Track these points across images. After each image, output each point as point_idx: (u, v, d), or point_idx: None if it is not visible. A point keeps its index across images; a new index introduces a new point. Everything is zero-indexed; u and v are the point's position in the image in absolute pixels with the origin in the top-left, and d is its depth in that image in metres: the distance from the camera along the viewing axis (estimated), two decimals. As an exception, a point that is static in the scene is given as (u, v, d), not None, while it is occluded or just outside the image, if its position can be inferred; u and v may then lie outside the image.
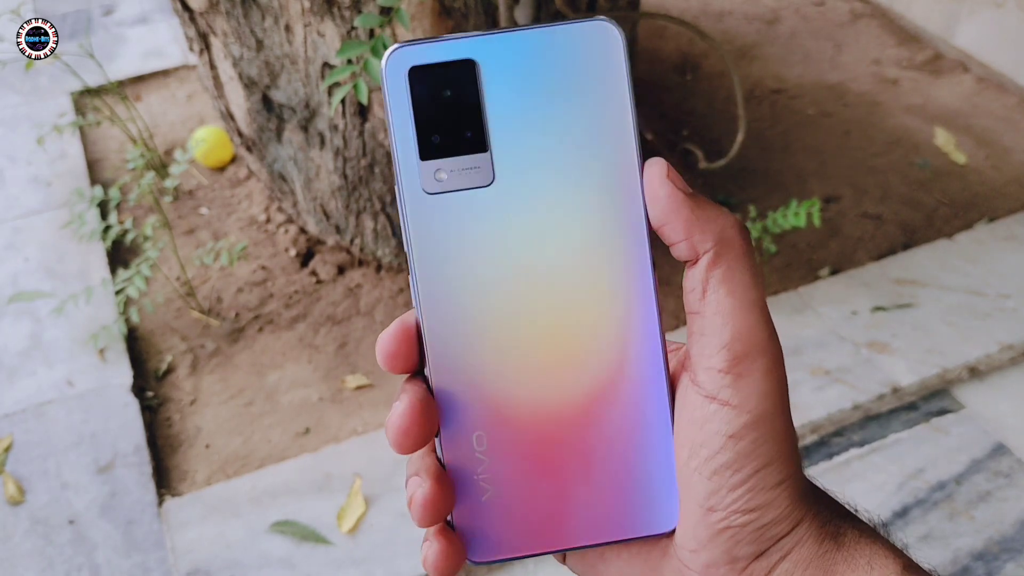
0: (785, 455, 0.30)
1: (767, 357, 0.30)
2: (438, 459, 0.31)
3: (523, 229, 0.31)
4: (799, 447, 1.32)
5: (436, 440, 0.32)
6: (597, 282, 0.31)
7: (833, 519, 0.31)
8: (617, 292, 0.31)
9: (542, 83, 0.30)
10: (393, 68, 0.30)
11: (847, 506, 0.32)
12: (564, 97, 0.31)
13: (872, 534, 0.31)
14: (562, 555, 0.34)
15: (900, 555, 0.30)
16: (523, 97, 0.30)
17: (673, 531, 0.31)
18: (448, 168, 0.31)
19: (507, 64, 0.30)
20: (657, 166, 0.31)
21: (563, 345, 0.31)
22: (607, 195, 0.31)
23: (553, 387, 0.31)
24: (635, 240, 0.31)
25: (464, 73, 0.30)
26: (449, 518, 0.32)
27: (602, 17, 0.31)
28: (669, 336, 0.33)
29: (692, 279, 0.30)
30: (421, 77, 0.30)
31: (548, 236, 0.31)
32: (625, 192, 0.31)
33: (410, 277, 0.31)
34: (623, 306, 0.31)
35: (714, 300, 0.30)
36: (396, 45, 0.30)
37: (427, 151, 0.31)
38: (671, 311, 1.43)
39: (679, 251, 0.30)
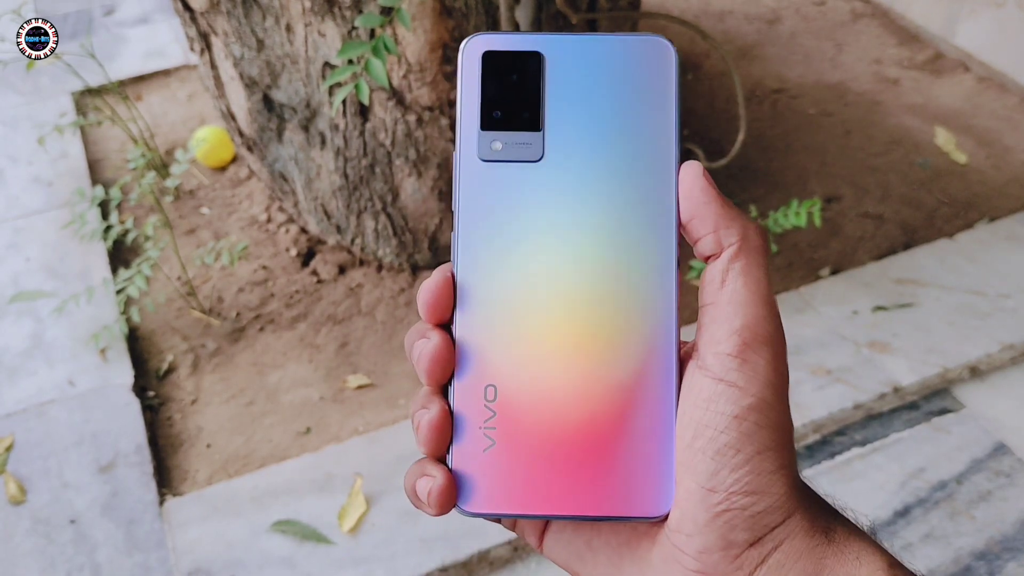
0: (782, 444, 0.31)
1: (772, 348, 0.31)
2: (447, 405, 0.33)
3: (562, 204, 0.34)
4: (799, 445, 1.33)
5: (449, 385, 0.34)
6: (622, 265, 0.33)
7: (823, 515, 0.32)
8: (641, 276, 0.33)
9: (599, 82, 0.34)
10: (471, 50, 0.35)
11: (836, 506, 0.33)
12: (617, 97, 0.34)
13: (860, 533, 0.32)
14: (539, 541, 0.35)
15: (886, 554, 0.32)
16: (580, 91, 0.34)
17: (665, 517, 0.32)
18: (503, 140, 0.34)
19: (571, 61, 0.34)
20: (694, 166, 0.33)
21: (582, 317, 0.33)
22: (643, 187, 0.34)
23: (569, 354, 0.33)
24: (663, 230, 0.33)
25: (531, 62, 0.34)
26: (449, 464, 0.33)
27: (662, 36, 0.34)
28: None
29: (713, 271, 0.32)
30: (493, 60, 0.35)
31: (584, 214, 0.34)
32: (660, 187, 0.33)
33: (452, 234, 0.34)
34: (644, 289, 0.33)
35: (731, 289, 0.32)
36: (477, 33, 0.35)
37: (488, 123, 0.34)
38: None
39: (704, 245, 0.33)
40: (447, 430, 0.33)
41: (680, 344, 0.33)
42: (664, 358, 0.33)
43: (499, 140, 0.34)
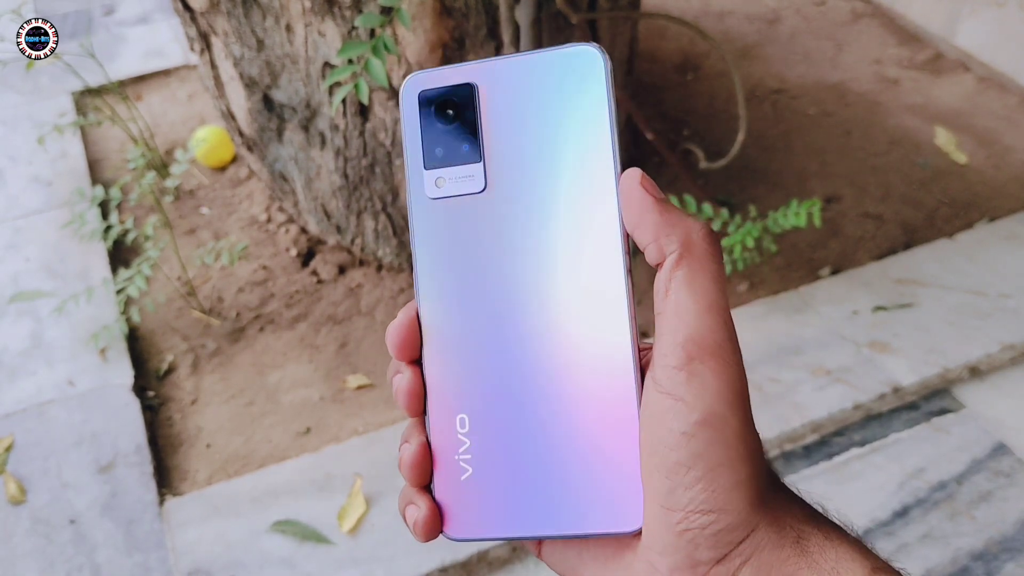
0: (740, 458, 0.30)
1: (719, 358, 0.30)
2: (426, 437, 0.35)
3: (510, 231, 0.34)
4: (797, 446, 1.33)
5: (425, 419, 0.35)
6: (574, 284, 0.33)
7: (796, 524, 0.31)
8: (593, 294, 0.33)
9: (532, 103, 0.34)
10: (408, 92, 0.36)
11: (816, 507, 0.32)
12: (551, 115, 0.34)
13: (840, 537, 0.31)
14: (538, 549, 0.36)
15: (869, 555, 0.30)
16: (515, 115, 0.34)
17: (639, 532, 0.32)
18: (447, 176, 0.35)
19: (503, 86, 0.35)
20: (632, 174, 0.33)
21: (541, 342, 0.34)
22: (587, 204, 0.33)
23: (532, 378, 0.34)
24: (611, 246, 0.33)
25: (464, 95, 0.35)
26: (433, 493, 0.35)
27: (591, 44, 0.34)
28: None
29: (658, 280, 0.32)
30: (428, 99, 0.35)
31: (533, 239, 0.34)
32: (603, 200, 0.33)
33: (413, 273, 0.35)
34: (598, 307, 0.33)
35: (674, 300, 0.31)
36: (414, 73, 0.36)
37: (430, 161, 0.35)
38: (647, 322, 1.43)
39: (649, 254, 0.32)
40: (426, 463, 0.34)
41: (640, 355, 0.33)
42: (623, 373, 0.33)
43: (443, 176, 0.35)
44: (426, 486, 0.35)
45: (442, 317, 0.34)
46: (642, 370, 0.33)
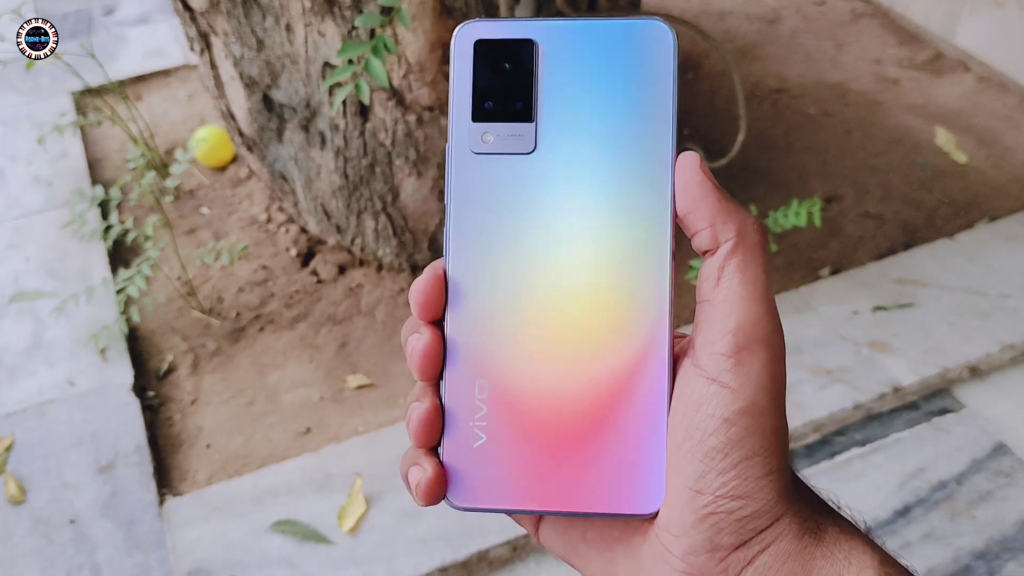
0: (773, 449, 0.30)
1: (768, 350, 0.31)
2: (439, 400, 0.33)
3: (555, 198, 0.33)
4: (798, 445, 1.33)
5: (441, 381, 0.33)
6: (616, 259, 0.32)
7: (814, 515, 0.31)
8: (634, 271, 0.32)
9: (594, 70, 0.33)
10: (462, 39, 0.34)
11: (830, 503, 0.33)
12: (612, 85, 0.33)
13: (852, 530, 0.32)
14: (536, 530, 0.35)
15: (878, 550, 0.31)
16: (575, 79, 0.33)
17: (655, 515, 0.32)
18: (495, 132, 0.33)
19: (565, 48, 0.33)
20: (691, 157, 0.32)
21: (575, 313, 0.33)
22: (638, 179, 0.33)
23: (560, 350, 0.33)
24: (658, 224, 0.32)
25: (523, 50, 0.33)
26: (440, 457, 0.33)
27: (659, 18, 0.33)
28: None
29: (709, 267, 0.31)
30: (485, 49, 0.34)
31: (577, 207, 0.33)
32: (656, 179, 0.33)
33: (444, 228, 0.34)
34: (638, 285, 0.32)
35: (726, 287, 0.31)
36: (469, 21, 0.34)
37: (479, 114, 0.33)
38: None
39: (700, 240, 0.32)
40: (437, 425, 0.33)
41: (674, 340, 0.33)
42: (657, 354, 0.32)
43: (491, 132, 0.33)
44: (432, 449, 0.33)
45: (472, 277, 0.33)
46: (673, 355, 0.33)
